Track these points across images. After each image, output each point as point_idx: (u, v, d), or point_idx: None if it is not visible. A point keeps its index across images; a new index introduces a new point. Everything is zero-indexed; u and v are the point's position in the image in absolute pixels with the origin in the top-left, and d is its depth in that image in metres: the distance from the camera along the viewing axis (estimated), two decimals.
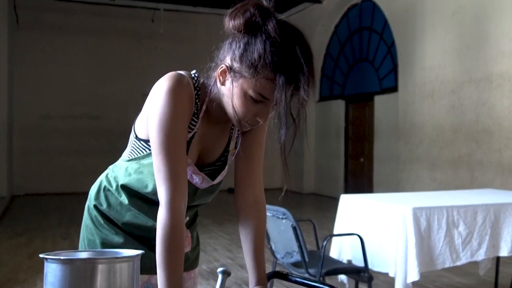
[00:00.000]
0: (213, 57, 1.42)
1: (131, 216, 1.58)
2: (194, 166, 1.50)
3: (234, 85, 1.32)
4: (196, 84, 1.43)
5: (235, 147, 1.60)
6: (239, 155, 1.61)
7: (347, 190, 10.90)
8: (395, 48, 9.23)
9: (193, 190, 1.55)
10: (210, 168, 1.58)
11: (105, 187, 1.62)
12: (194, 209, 1.69)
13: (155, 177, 1.39)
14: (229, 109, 1.37)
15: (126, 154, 1.60)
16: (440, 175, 7.94)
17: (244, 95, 1.31)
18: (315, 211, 9.71)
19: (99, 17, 11.65)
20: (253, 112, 1.33)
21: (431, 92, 8.18)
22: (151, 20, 11.78)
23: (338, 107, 11.13)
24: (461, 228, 3.35)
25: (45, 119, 11.45)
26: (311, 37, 11.58)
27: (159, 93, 1.37)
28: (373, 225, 3.51)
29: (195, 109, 1.43)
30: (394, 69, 9.45)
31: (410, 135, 8.65)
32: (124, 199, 1.57)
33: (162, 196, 1.36)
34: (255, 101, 1.31)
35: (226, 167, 1.59)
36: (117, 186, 1.58)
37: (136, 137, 1.53)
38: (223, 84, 1.37)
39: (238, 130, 1.59)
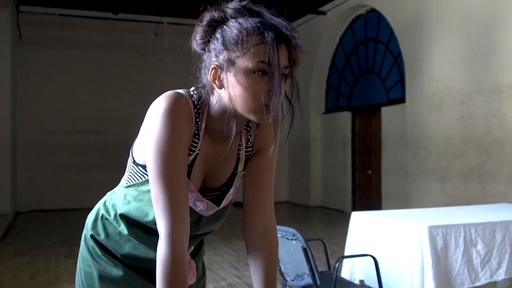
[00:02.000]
0: (197, 77, 1.34)
1: (130, 247, 1.46)
2: (197, 193, 1.37)
3: (233, 73, 1.23)
4: (196, 101, 1.31)
5: (244, 169, 1.47)
6: (247, 180, 1.48)
7: (355, 203, 10.74)
8: (401, 58, 9.11)
9: (197, 219, 1.42)
10: (215, 193, 1.45)
11: (102, 215, 1.50)
12: (199, 238, 1.56)
13: (154, 207, 1.26)
14: (241, 103, 1.24)
15: (124, 180, 1.47)
16: (450, 187, 7.78)
17: (246, 74, 1.21)
18: (323, 225, 9.55)
19: (102, 31, 11.60)
20: (264, 90, 1.22)
21: (440, 103, 8.04)
22: (154, 34, 11.72)
23: (345, 119, 11.00)
24: (480, 246, 3.20)
25: (49, 135, 11.36)
26: (316, 48, 11.49)
27: (155, 115, 1.25)
28: (386, 244, 3.36)
29: (195, 129, 1.31)
30: (401, 80, 9.33)
31: (419, 147, 8.50)
32: (123, 229, 1.44)
33: (162, 228, 1.24)
34: (259, 75, 1.21)
35: (232, 189, 1.45)
36: (115, 214, 1.46)
37: (134, 162, 1.40)
38: (220, 86, 1.27)
39: (247, 151, 1.45)
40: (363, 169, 10.65)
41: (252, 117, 1.26)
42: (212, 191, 1.43)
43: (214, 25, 1.27)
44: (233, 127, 1.27)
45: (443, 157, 7.94)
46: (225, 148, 1.38)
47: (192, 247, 1.54)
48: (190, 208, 1.36)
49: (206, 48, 1.29)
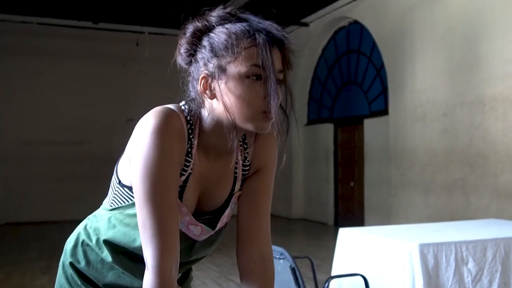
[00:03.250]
0: (184, 90, 1.25)
1: (114, 275, 1.33)
2: (190, 216, 1.25)
3: (224, 80, 1.14)
4: (188, 116, 1.20)
5: (240, 189, 1.36)
6: (243, 203, 1.38)
7: (337, 216, 10.67)
8: (384, 70, 9.11)
9: (189, 245, 1.30)
10: (209, 215, 1.34)
11: (83, 241, 1.37)
12: (189, 266, 1.44)
13: (140, 234, 1.14)
14: (236, 113, 1.14)
15: (108, 202, 1.34)
16: (434, 200, 7.75)
17: (239, 79, 1.12)
18: (305, 238, 9.46)
19: (83, 41, 11.42)
20: (259, 95, 1.13)
21: (423, 115, 8.03)
22: (135, 44, 11.58)
23: (327, 130, 10.95)
24: (471, 265, 3.13)
25: (26, 145, 11.11)
26: (299, 60, 11.45)
27: (143, 133, 1.13)
28: (376, 262, 3.28)
29: (188, 146, 1.19)
30: (384, 92, 9.32)
31: (402, 159, 8.47)
32: (106, 255, 1.31)
33: (149, 258, 1.12)
34: (253, 80, 1.12)
35: (228, 210, 1.33)
36: (97, 240, 1.32)
37: (120, 183, 1.27)
38: (212, 97, 1.17)
39: (244, 170, 1.34)
40: (345, 181, 10.60)
41: (249, 127, 1.16)
42: (205, 214, 1.32)
43: (199, 35, 1.19)
44: (234, 139, 1.17)
45: (427, 169, 7.92)
46: (221, 166, 1.28)
47: (179, 274, 1.43)
48: (183, 233, 1.25)
49: (192, 60, 1.20)
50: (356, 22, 10.07)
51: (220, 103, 1.16)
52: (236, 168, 1.32)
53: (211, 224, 1.32)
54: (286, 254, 2.87)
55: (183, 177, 1.21)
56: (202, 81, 1.17)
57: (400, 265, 3.09)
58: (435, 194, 7.72)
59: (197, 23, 1.20)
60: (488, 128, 6.90)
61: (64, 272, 1.39)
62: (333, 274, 3.58)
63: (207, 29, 1.19)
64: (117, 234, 1.28)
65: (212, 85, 1.16)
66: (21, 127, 11.10)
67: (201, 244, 1.32)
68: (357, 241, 3.50)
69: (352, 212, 10.26)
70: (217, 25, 1.18)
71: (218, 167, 1.28)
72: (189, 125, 1.20)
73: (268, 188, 1.38)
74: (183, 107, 1.23)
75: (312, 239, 8.99)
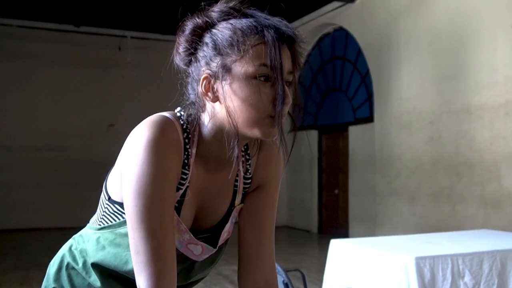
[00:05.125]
0: (183, 91, 1.12)
1: None
2: (190, 234, 1.12)
3: (229, 81, 1.02)
4: (185, 124, 1.08)
5: (242, 202, 1.23)
6: (245, 222, 1.25)
7: (321, 223, 10.59)
8: (369, 77, 9.07)
9: (188, 266, 1.17)
10: (208, 232, 1.21)
11: (68, 264, 1.22)
12: None
13: (132, 260, 1.01)
14: (241, 117, 1.02)
15: (96, 220, 1.20)
16: (420, 208, 7.70)
17: (246, 80, 1.01)
18: (290, 246, 9.34)
19: (63, 44, 11.19)
20: (268, 98, 1.01)
21: (409, 123, 7.99)
22: (117, 48, 11.39)
23: (311, 137, 10.88)
24: (467, 278, 3.04)
25: (4, 151, 10.82)
26: None
27: (136, 147, 1.00)
28: (370, 275, 3.17)
29: (185, 157, 1.07)
30: (369, 99, 9.27)
31: (387, 167, 8.42)
32: (94, 280, 1.17)
33: (142, 285, 0.99)
34: (261, 81, 1.00)
35: (228, 226, 1.21)
36: (84, 262, 1.18)
37: (110, 199, 1.13)
38: (214, 100, 1.05)
39: (245, 183, 1.21)
40: (330, 189, 10.53)
41: (255, 133, 1.04)
42: (204, 232, 1.20)
43: (200, 32, 1.08)
44: (234, 148, 1.05)
45: (413, 177, 7.87)
46: (221, 177, 1.15)
47: None
48: (182, 254, 1.13)
49: (192, 59, 1.08)
50: (341, 29, 10.02)
51: (223, 106, 1.04)
52: (236, 180, 1.20)
53: (212, 242, 1.19)
54: (279, 268, 2.75)
55: (180, 191, 1.09)
56: (204, 82, 1.05)
57: (395, 279, 2.99)
58: (421, 202, 7.68)
59: (197, 19, 1.08)
60: (474, 136, 6.87)
61: None
62: (324, 287, 3.46)
63: (209, 26, 1.08)
64: (107, 256, 1.15)
65: (215, 87, 1.04)
66: None
67: (200, 264, 1.20)
68: (350, 253, 3.40)
69: (336, 219, 10.18)
70: (219, 21, 1.07)
71: (217, 178, 1.16)
72: (186, 134, 1.08)
73: (273, 206, 1.27)
74: (179, 114, 1.11)
75: (297, 247, 8.88)
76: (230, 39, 1.03)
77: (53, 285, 1.24)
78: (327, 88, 10.64)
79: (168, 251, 1.01)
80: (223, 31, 1.04)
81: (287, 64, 1.04)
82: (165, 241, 1.01)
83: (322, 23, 10.22)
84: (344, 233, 9.52)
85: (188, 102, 1.11)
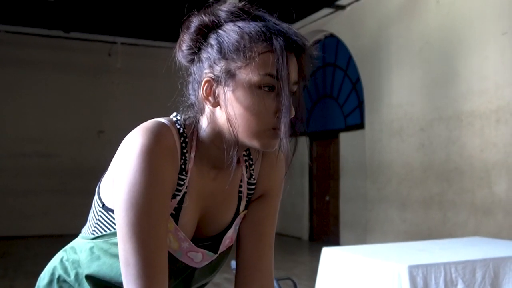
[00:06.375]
0: (183, 92, 1.08)
1: None
2: (189, 242, 1.08)
3: (232, 87, 0.97)
4: (181, 129, 1.04)
5: (246, 209, 1.19)
6: (244, 232, 1.20)
7: (312, 230, 10.56)
8: (360, 84, 9.07)
9: (189, 273, 1.12)
10: (210, 240, 1.15)
11: (59, 276, 1.17)
12: None
13: (122, 272, 0.96)
14: (242, 126, 0.99)
15: (89, 229, 1.14)
16: (411, 215, 7.68)
17: (250, 89, 0.97)
18: (281, 253, 9.28)
19: (53, 50, 11.11)
20: (271, 109, 0.97)
21: (399, 129, 7.99)
22: (107, 54, 11.33)
23: (302, 144, 10.82)
24: (460, 287, 3.02)
25: None
26: None
27: (129, 154, 0.96)
28: (362, 284, 3.14)
29: (182, 163, 1.02)
30: (360, 106, 9.27)
31: (378, 174, 8.41)
32: None
33: None
34: (265, 91, 0.96)
35: (231, 232, 1.16)
36: (77, 274, 1.13)
37: (103, 206, 1.09)
38: (215, 104, 1.00)
39: (249, 188, 1.17)
40: (320, 196, 10.50)
41: (254, 143, 1.01)
42: (206, 239, 1.15)
43: (205, 31, 1.03)
44: (233, 157, 1.01)
45: (403, 184, 7.86)
46: (223, 183, 1.11)
47: None
48: (182, 263, 1.09)
49: (195, 58, 1.04)
50: (332, 36, 10.03)
51: (224, 113, 1.00)
52: (241, 186, 1.16)
53: (213, 248, 1.15)
54: None
55: (178, 198, 1.05)
56: (206, 85, 1.01)
57: (388, 287, 2.95)
58: (412, 209, 7.67)
59: (204, 17, 1.04)
60: (465, 143, 6.87)
61: None
62: None
63: (215, 26, 1.03)
64: (102, 267, 1.10)
65: (217, 91, 1.00)
66: None
67: (201, 271, 1.15)
68: (342, 261, 3.36)
69: (327, 226, 10.15)
70: (226, 22, 1.03)
71: (220, 184, 1.12)
72: (182, 138, 1.04)
73: (274, 216, 1.23)
74: (175, 119, 1.07)
75: (288, 254, 8.83)
76: (236, 43, 0.98)
77: None
78: (318, 95, 10.64)
79: (160, 264, 0.97)
80: (230, 34, 1.00)
81: (293, 75, 1.00)
82: (157, 254, 0.97)
83: (312, 30, 10.22)
84: (335, 240, 9.49)
85: (187, 104, 1.07)
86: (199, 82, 1.03)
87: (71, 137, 11.18)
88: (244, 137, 1.00)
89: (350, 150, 9.37)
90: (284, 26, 1.01)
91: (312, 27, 10.13)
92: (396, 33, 8.10)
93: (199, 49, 1.03)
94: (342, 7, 9.25)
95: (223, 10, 1.04)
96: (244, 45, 0.97)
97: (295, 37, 1.00)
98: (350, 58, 9.42)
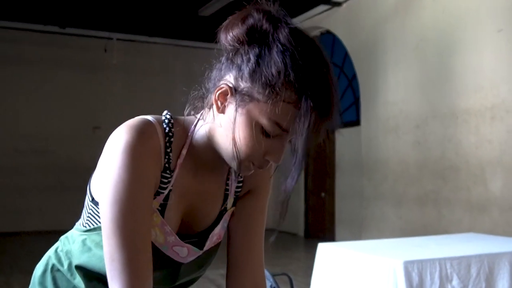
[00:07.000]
0: (203, 82, 1.05)
1: None
2: (176, 236, 1.09)
3: (240, 111, 0.95)
4: (168, 128, 1.04)
5: (234, 205, 1.20)
6: (234, 227, 1.22)
7: (308, 227, 10.58)
8: (356, 81, 9.08)
9: (175, 268, 1.14)
10: (197, 237, 1.17)
11: (53, 266, 1.19)
12: None
13: (107, 267, 0.98)
14: (226, 145, 0.99)
15: (82, 222, 1.17)
16: (406, 213, 7.70)
17: (254, 125, 0.95)
18: (276, 249, 9.30)
19: (48, 46, 11.06)
20: (264, 150, 0.97)
21: (395, 126, 8.00)
22: (103, 50, 11.29)
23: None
24: (455, 282, 3.03)
25: None
26: None
27: (113, 151, 0.98)
28: (358, 280, 3.15)
29: (165, 162, 1.03)
30: (356, 103, 9.28)
31: (374, 171, 8.42)
32: (79, 282, 1.14)
33: None
34: (267, 135, 0.95)
35: (218, 228, 1.18)
36: (69, 264, 1.16)
37: (93, 200, 1.11)
38: (222, 111, 0.99)
39: (237, 186, 1.19)
40: (316, 192, 10.52)
41: (231, 164, 1.02)
42: (194, 236, 1.16)
43: (255, 37, 0.96)
44: (232, 178, 1.06)
45: (399, 181, 7.88)
46: (211, 180, 1.13)
47: None
48: (167, 256, 1.10)
49: (231, 54, 1.00)
50: (328, 32, 10.03)
51: (225, 123, 1.00)
52: (227, 184, 1.18)
53: (200, 244, 1.16)
54: (267, 273, 2.71)
55: (162, 195, 1.06)
56: (223, 90, 0.99)
57: (384, 283, 2.97)
58: (408, 206, 7.69)
59: (263, 22, 0.96)
60: (460, 140, 6.89)
61: None
62: None
63: (267, 37, 0.96)
64: (92, 258, 1.12)
65: (228, 101, 0.99)
66: None
67: (187, 266, 1.16)
68: (338, 257, 3.37)
69: (323, 223, 10.17)
70: (279, 43, 0.94)
71: (207, 181, 1.13)
72: (167, 138, 1.05)
73: (263, 211, 1.25)
74: (164, 117, 1.07)
75: (283, 250, 8.84)
76: (270, 78, 0.92)
77: None
78: None
79: (144, 259, 0.99)
80: (271, 62, 0.93)
81: (306, 131, 0.94)
82: (141, 249, 0.99)
83: (308, 27, 10.21)
84: (330, 237, 9.51)
85: (200, 93, 1.06)
86: (219, 81, 1.01)
87: (66, 133, 11.14)
88: (225, 154, 1.02)
89: (346, 147, 9.38)
90: (327, 79, 0.94)
91: (308, 23, 10.11)
92: (392, 30, 8.11)
93: (237, 51, 0.99)
94: (338, 4, 9.26)
95: (284, 33, 0.95)
96: (275, 84, 0.92)
97: (327, 98, 0.94)
98: (346, 55, 9.42)
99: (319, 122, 0.94)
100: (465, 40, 6.85)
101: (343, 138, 9.47)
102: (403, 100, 7.88)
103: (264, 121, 0.95)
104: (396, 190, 7.92)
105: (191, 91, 1.08)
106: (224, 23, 1.00)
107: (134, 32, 11.14)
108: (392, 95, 8.09)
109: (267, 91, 0.93)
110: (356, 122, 9.15)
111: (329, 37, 10.08)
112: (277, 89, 0.92)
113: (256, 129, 0.96)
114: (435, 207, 7.21)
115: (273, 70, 0.92)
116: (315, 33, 10.47)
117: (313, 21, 9.93)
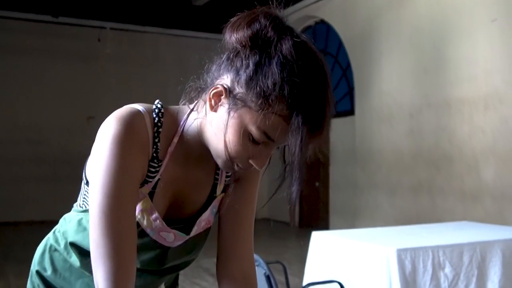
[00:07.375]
0: (201, 74, 1.05)
1: (82, 284, 1.20)
2: (162, 222, 1.11)
3: (232, 115, 0.96)
4: (157, 118, 1.06)
5: (224, 191, 1.21)
6: (223, 215, 1.24)
7: (302, 216, 10.61)
8: (350, 71, 9.08)
9: (162, 252, 1.16)
10: (185, 222, 1.19)
11: (51, 246, 1.23)
12: (172, 274, 1.28)
13: (92, 253, 1.01)
14: (214, 143, 1.01)
15: (78, 203, 1.21)
16: (400, 202, 7.75)
17: (243, 131, 0.95)
18: (270, 239, 9.34)
19: (41, 35, 10.98)
20: (250, 154, 0.98)
21: (389, 116, 8.02)
22: (97, 40, 11.23)
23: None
24: (447, 270, 3.06)
25: None
26: None
27: (103, 141, 1.01)
28: (351, 267, 3.18)
29: (153, 151, 1.05)
30: (350, 93, 9.29)
31: (368, 161, 8.45)
32: (75, 260, 1.18)
33: (100, 281, 0.99)
34: (254, 141, 0.96)
35: (207, 214, 1.19)
36: (66, 243, 1.19)
37: (87, 183, 1.14)
38: (214, 110, 1.00)
39: (227, 174, 1.21)
40: (310, 182, 10.54)
41: (217, 160, 1.04)
42: (182, 221, 1.18)
43: (257, 43, 0.95)
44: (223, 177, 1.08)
45: (393, 171, 7.91)
46: (202, 170, 1.15)
47: (164, 284, 1.31)
48: (154, 241, 1.13)
49: (232, 54, 0.98)
50: (322, 22, 10.02)
51: (216, 121, 1.00)
52: (217, 174, 1.19)
53: (187, 230, 1.18)
54: (261, 261, 2.74)
55: (151, 184, 1.08)
56: (218, 89, 0.99)
57: (377, 271, 2.99)
58: (401, 196, 7.73)
59: (268, 29, 0.95)
60: (454, 130, 6.92)
61: (32, 282, 1.27)
62: (306, 279, 3.46)
63: (268, 50, 0.94)
64: (86, 238, 1.14)
65: (221, 101, 0.99)
66: None
67: (175, 250, 1.18)
68: (331, 245, 3.40)
69: (317, 212, 10.21)
70: (281, 54, 0.92)
71: (196, 171, 1.15)
72: (155, 128, 1.06)
73: (253, 199, 1.26)
74: (155, 106, 1.08)
75: (277, 240, 8.88)
76: (265, 89, 0.92)
77: (36, 268, 1.25)
78: None
79: (128, 247, 1.01)
80: (268, 73, 0.92)
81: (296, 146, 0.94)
82: (125, 236, 1.01)
83: (303, 16, 10.19)
84: (324, 226, 9.55)
85: (198, 85, 1.06)
86: (216, 79, 1.01)
87: (61, 123, 11.10)
88: (214, 151, 1.03)
89: (340, 136, 9.39)
90: (322, 97, 0.95)
91: (302, 13, 10.10)
92: (386, 20, 8.11)
93: (237, 54, 0.97)
94: None
95: (287, 44, 0.94)
96: (269, 95, 0.92)
97: (320, 116, 0.95)
98: (340, 45, 9.42)
99: (309, 137, 0.94)
100: (459, 30, 6.86)
101: (337, 128, 9.48)
102: (397, 90, 7.89)
103: (253, 128, 0.95)
104: (390, 179, 7.96)
105: (188, 82, 1.08)
106: (232, 20, 0.99)
107: (128, 21, 11.08)
108: (386, 85, 8.10)
109: (260, 101, 0.92)
110: (350, 111, 9.17)
111: (323, 26, 10.07)
112: (270, 101, 0.92)
113: (244, 135, 0.96)
114: (428, 196, 7.25)
115: (269, 82, 0.92)
116: (309, 22, 10.46)
117: (307, 10, 9.91)
